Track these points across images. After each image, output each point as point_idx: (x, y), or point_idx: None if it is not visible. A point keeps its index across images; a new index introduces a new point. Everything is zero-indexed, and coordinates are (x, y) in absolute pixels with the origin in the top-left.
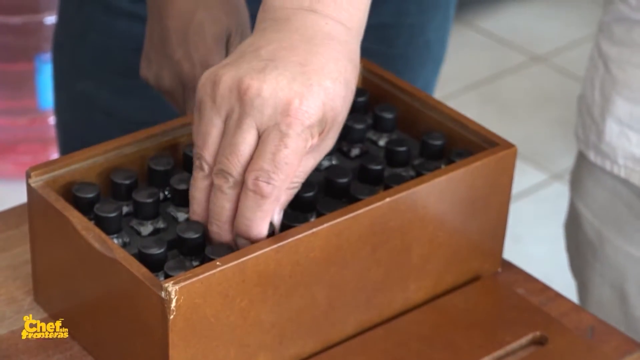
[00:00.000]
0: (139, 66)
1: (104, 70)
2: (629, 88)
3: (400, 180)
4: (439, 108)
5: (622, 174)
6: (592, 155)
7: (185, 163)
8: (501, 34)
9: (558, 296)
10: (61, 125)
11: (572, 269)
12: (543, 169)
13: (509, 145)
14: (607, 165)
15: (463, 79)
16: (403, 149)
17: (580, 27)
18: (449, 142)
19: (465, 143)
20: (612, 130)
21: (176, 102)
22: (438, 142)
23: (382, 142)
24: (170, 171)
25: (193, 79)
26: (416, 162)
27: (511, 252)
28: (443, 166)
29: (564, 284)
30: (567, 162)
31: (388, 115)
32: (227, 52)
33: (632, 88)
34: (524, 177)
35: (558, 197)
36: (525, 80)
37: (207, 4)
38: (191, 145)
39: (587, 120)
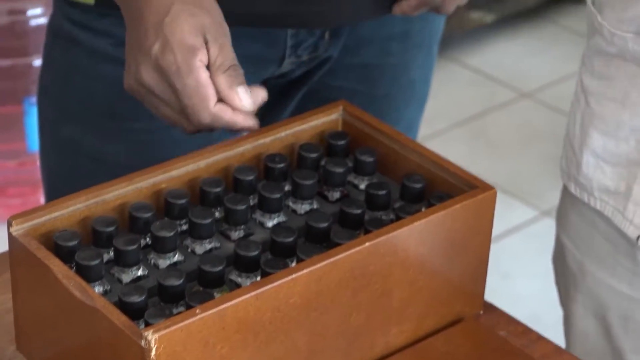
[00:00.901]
0: (123, 110)
1: (89, 113)
2: (604, 122)
3: (380, 224)
4: (419, 150)
5: (598, 206)
6: (572, 188)
7: (167, 210)
8: (488, 71)
9: (540, 338)
10: (47, 170)
11: (560, 301)
12: (532, 205)
13: (488, 188)
14: (585, 198)
15: (451, 115)
16: (383, 192)
17: (567, 62)
18: (429, 185)
19: (445, 186)
20: (589, 163)
21: (158, 98)
22: (418, 185)
23: (362, 186)
24: (151, 218)
25: (173, 63)
26: (396, 205)
27: (500, 289)
28: (423, 209)
29: (554, 320)
30: (557, 198)
31: (368, 159)
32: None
33: (607, 122)
34: (513, 213)
35: (547, 233)
36: (514, 117)
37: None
38: (172, 191)
39: (569, 153)
